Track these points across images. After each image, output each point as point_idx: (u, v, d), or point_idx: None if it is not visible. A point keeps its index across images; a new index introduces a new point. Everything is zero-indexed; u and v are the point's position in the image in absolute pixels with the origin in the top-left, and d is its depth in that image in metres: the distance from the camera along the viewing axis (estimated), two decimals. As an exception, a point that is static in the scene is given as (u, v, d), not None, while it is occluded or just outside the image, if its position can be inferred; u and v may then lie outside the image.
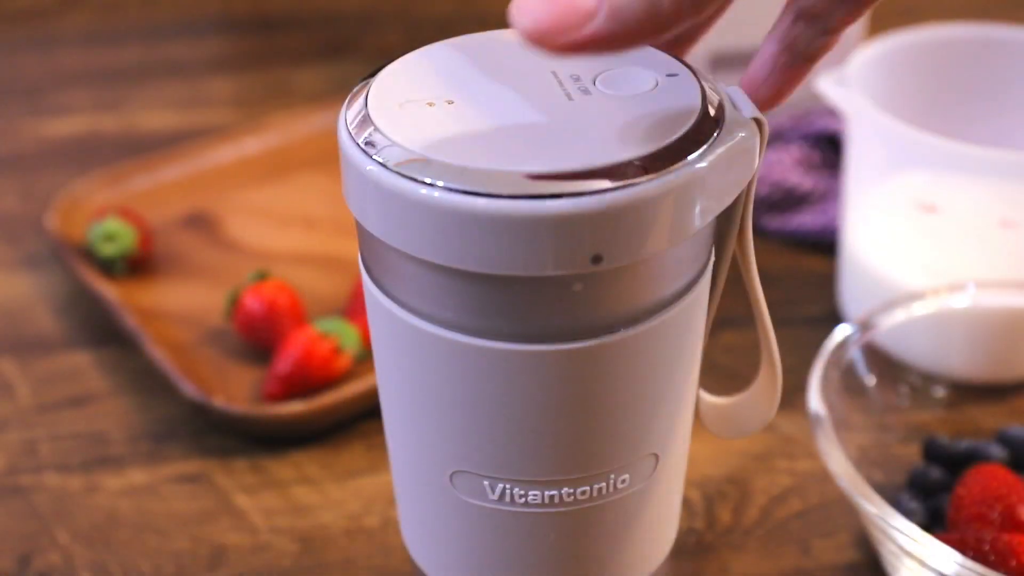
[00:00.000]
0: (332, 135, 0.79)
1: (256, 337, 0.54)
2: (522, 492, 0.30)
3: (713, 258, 0.31)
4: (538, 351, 0.27)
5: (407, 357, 0.29)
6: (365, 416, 0.51)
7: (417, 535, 0.35)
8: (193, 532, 0.45)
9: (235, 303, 0.54)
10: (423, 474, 0.32)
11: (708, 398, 0.36)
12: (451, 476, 0.31)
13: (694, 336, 0.31)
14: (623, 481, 0.31)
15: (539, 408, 0.29)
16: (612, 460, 0.30)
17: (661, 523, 0.34)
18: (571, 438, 0.29)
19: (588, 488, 0.30)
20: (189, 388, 0.50)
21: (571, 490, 0.30)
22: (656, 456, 0.31)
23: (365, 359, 0.53)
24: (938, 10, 0.75)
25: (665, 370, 0.30)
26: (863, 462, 0.45)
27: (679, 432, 0.32)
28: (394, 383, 0.31)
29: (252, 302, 0.53)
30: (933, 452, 0.46)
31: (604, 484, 0.31)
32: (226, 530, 0.46)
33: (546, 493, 0.30)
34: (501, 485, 0.30)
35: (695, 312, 0.30)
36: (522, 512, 0.31)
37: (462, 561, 0.33)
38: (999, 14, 0.69)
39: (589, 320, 0.27)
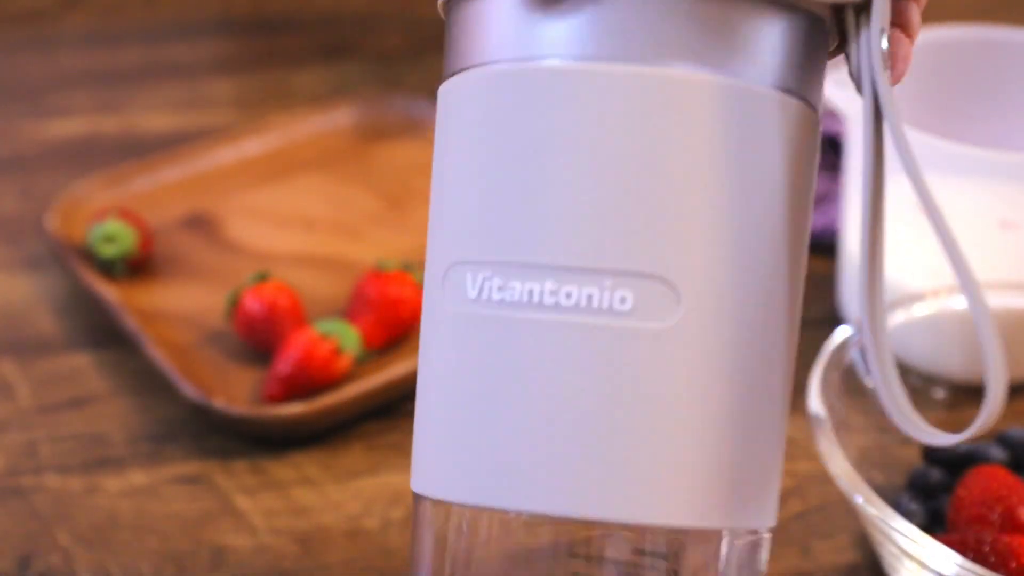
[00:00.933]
0: (332, 136, 0.79)
1: (256, 338, 0.54)
2: (501, 284, 0.27)
3: (820, 113, 0.30)
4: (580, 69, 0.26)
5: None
6: (365, 417, 0.51)
7: (426, 406, 0.30)
8: (193, 533, 0.45)
9: (235, 304, 0.54)
10: (429, 287, 0.30)
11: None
12: (445, 275, 0.29)
13: (780, 164, 0.27)
14: (622, 300, 0.26)
15: (541, 146, 0.27)
16: (599, 248, 0.26)
17: (700, 431, 0.27)
18: (557, 193, 0.27)
19: (574, 292, 0.27)
20: (189, 389, 0.50)
21: (554, 287, 0.27)
22: (672, 287, 0.26)
23: (365, 360, 0.53)
24: (938, 11, 0.75)
25: (700, 163, 0.26)
26: (863, 463, 0.45)
27: (721, 275, 0.27)
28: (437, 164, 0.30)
29: (252, 303, 0.54)
30: (933, 453, 0.46)
31: (595, 291, 0.26)
32: (226, 531, 0.46)
33: (526, 286, 0.27)
34: (482, 276, 0.27)
35: (772, 126, 0.27)
36: (502, 317, 0.27)
37: (455, 394, 0.29)
38: (999, 15, 0.69)
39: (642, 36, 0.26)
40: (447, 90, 0.30)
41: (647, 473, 0.26)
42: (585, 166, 0.26)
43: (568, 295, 0.26)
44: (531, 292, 0.27)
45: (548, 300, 0.27)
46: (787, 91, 0.28)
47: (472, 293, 0.28)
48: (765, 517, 0.29)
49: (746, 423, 0.28)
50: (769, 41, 0.28)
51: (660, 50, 0.26)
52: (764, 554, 0.30)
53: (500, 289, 0.27)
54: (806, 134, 0.29)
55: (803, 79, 0.29)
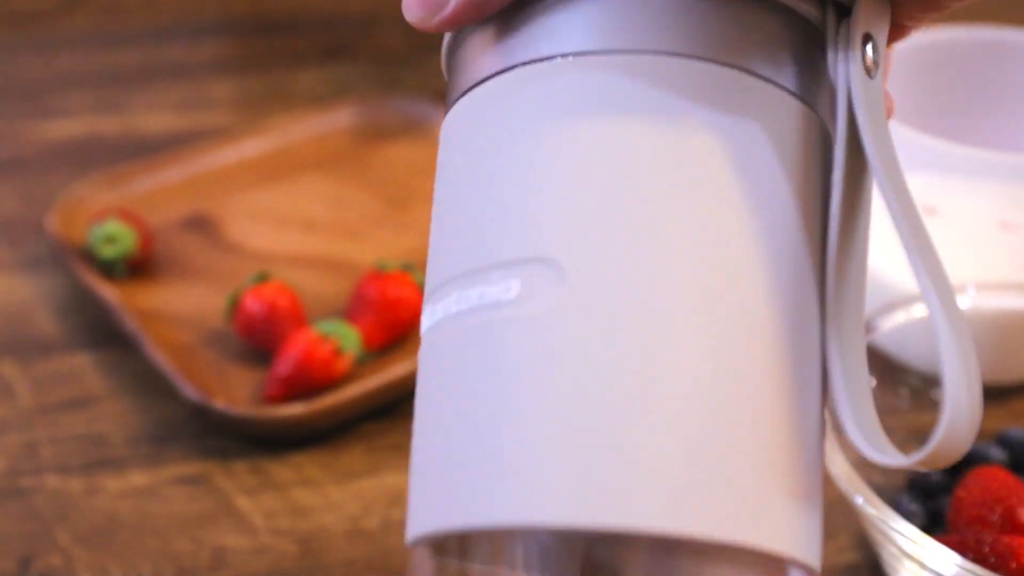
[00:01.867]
0: (332, 136, 0.79)
1: (257, 339, 0.54)
2: (430, 312, 0.27)
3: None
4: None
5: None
6: (366, 418, 0.51)
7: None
8: (193, 534, 0.45)
9: (236, 305, 0.54)
10: None
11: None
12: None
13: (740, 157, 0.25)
14: (507, 290, 0.25)
15: (443, 177, 0.28)
16: (484, 248, 0.26)
17: (593, 416, 0.23)
18: (453, 212, 0.27)
19: (470, 294, 0.26)
20: (189, 390, 0.50)
21: (457, 296, 0.26)
22: (556, 266, 0.24)
23: (365, 361, 0.53)
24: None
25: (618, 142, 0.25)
26: (863, 464, 0.45)
27: (615, 249, 0.24)
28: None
29: (253, 304, 0.54)
30: (933, 454, 0.46)
31: (486, 288, 0.25)
32: (226, 532, 0.46)
33: (439, 306, 0.26)
34: (425, 315, 0.27)
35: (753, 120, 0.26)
36: (425, 343, 0.27)
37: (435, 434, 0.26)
38: (999, 15, 0.69)
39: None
40: None
41: (540, 465, 0.23)
42: (468, 179, 0.27)
43: (465, 299, 0.26)
44: (442, 309, 0.26)
45: (452, 310, 0.26)
46: (726, 64, 0.26)
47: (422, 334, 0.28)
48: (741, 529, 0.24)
49: (671, 413, 0.24)
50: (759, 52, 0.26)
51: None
52: None
53: (429, 316, 0.27)
54: (768, 110, 0.26)
55: (760, 55, 0.26)
